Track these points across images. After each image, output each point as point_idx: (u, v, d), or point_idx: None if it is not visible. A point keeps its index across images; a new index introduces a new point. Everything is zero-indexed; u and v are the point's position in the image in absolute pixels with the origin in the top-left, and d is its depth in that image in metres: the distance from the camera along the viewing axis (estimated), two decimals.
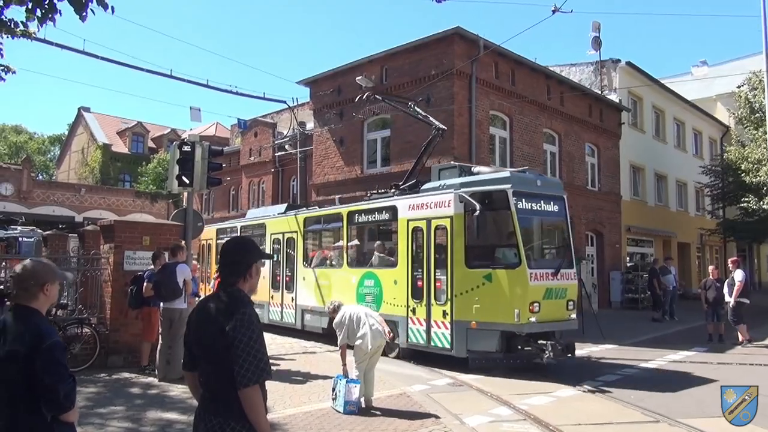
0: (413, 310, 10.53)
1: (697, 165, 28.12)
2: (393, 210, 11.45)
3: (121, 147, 44.24)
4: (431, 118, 13.17)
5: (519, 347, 9.56)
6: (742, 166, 21.28)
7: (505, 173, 10.26)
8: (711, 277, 14.33)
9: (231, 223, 18.25)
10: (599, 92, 23.70)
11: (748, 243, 30.23)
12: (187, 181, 9.93)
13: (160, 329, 8.80)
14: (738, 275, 13.30)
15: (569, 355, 9.65)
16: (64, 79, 77.73)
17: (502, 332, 9.39)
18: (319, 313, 12.80)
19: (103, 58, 16.36)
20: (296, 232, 14.22)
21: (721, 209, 27.34)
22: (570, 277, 10.11)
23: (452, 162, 12.31)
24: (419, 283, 10.49)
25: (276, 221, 15.23)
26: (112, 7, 4.17)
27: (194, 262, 13.22)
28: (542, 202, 10.21)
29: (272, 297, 15.03)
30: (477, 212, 9.29)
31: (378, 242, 12.16)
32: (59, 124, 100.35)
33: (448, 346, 9.82)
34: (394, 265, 11.22)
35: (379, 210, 12.01)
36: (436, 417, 6.84)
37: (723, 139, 33.17)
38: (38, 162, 56.03)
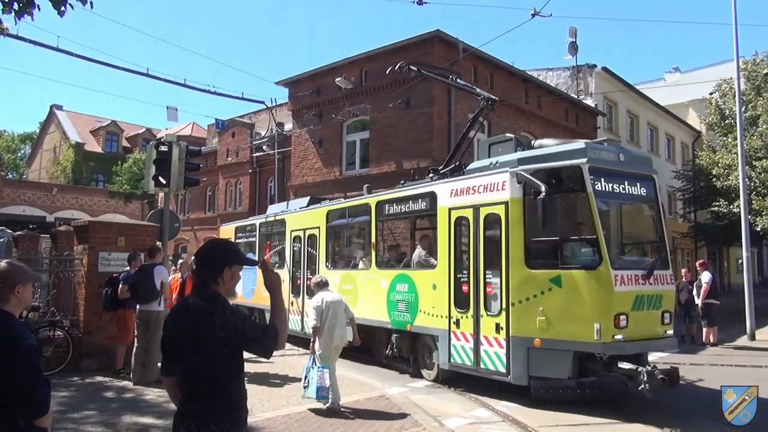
0: (457, 323, 8.48)
1: (670, 169, 28.67)
2: (431, 197, 9.42)
3: (94, 146, 43.49)
4: (477, 89, 11.51)
5: (597, 373, 7.51)
6: (713, 171, 21.74)
7: (579, 144, 7.99)
8: (683, 279, 14.62)
9: (250, 220, 16.81)
10: (575, 97, 24.03)
11: (718, 246, 30.91)
12: (164, 182, 9.81)
13: (135, 332, 8.66)
14: (705, 277, 13.64)
15: (672, 386, 7.25)
16: (36, 75, 76.25)
17: (576, 353, 7.30)
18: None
19: (77, 56, 15.99)
20: (318, 228, 12.37)
21: (693, 213, 27.91)
22: (666, 281, 7.82)
23: (506, 134, 9.94)
24: (464, 287, 8.47)
25: (296, 216, 13.57)
26: (91, 2, 4.07)
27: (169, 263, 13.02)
28: (626, 182, 7.95)
29: (292, 304, 13.11)
30: (542, 195, 7.16)
31: (411, 238, 10.49)
32: (30, 122, 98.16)
33: (502, 369, 7.75)
34: (432, 265, 9.23)
35: (414, 198, 9.93)
36: (415, 419, 6.85)
37: (695, 144, 33.89)
38: (8, 160, 54.68)
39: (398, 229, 11.70)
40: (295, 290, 13.18)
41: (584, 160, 7.52)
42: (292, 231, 13.57)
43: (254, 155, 28.18)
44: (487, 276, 8.18)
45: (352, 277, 11.26)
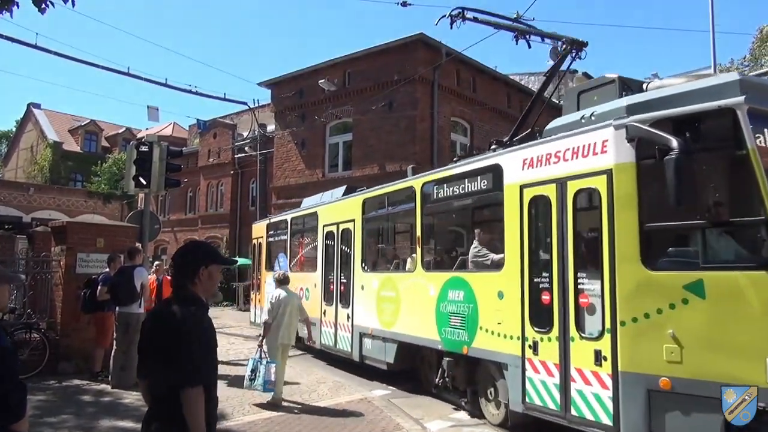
0: (533, 347, 6.00)
1: None
2: (494, 172, 6.91)
3: (72, 145, 42.86)
4: (556, 33, 8.88)
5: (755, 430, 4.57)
6: None
7: (730, 76, 5.24)
8: None
9: (281, 216, 14.59)
10: (557, 101, 24.27)
11: None
12: (145, 182, 9.71)
13: (114, 334, 8.56)
14: None
15: None
16: (13, 73, 74.90)
17: None
18: (382, 338, 9.17)
19: (56, 54, 15.75)
20: (353, 221, 10.27)
21: None
22: None
23: (605, 75, 6.77)
24: (544, 297, 5.95)
25: (329, 208, 11.56)
26: (73, 1, 4.00)
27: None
28: None
29: (324, 313, 11.15)
30: (673, 154, 4.65)
31: (470, 230, 8.03)
32: (6, 120, 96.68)
33: (606, 420, 5.22)
34: (496, 265, 6.81)
35: (471, 176, 7.43)
36: (397, 422, 6.85)
37: None
38: None
39: (452, 218, 9.27)
40: (328, 297, 11.17)
41: (740, 99, 4.75)
42: (324, 226, 11.55)
43: (236, 156, 28.05)
44: (579, 280, 5.66)
45: (393, 281, 9.10)
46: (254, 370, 7.40)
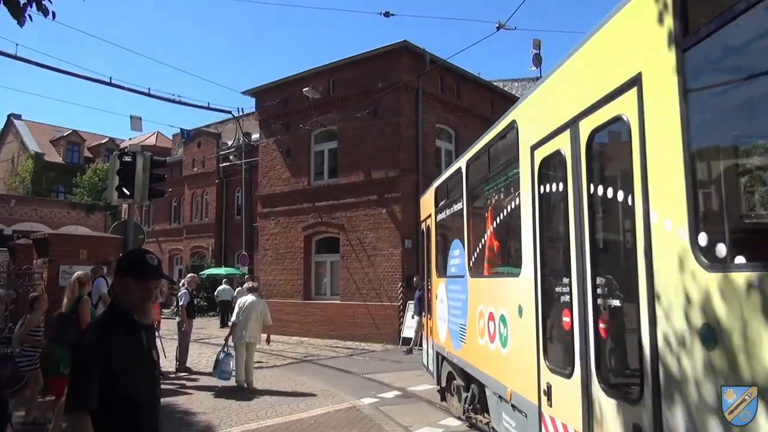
0: None
1: None
2: None
3: (54, 156, 42.38)
4: None
5: None
6: None
7: None
8: None
9: (454, 166, 8.08)
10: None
11: None
12: (128, 193, 9.61)
13: None
14: None
15: None
16: None
17: None
18: None
19: (37, 64, 15.56)
20: (622, 90, 2.87)
21: None
22: None
23: None
24: None
25: (541, 96, 4.31)
26: (53, 13, 3.95)
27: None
28: None
29: (549, 398, 3.88)
30: None
31: None
32: None
33: None
34: None
35: None
36: (386, 430, 6.84)
37: None
38: None
39: None
40: (556, 347, 4.00)
41: None
42: (532, 149, 4.33)
43: (221, 165, 27.94)
44: None
45: None
46: (217, 360, 9.11)
